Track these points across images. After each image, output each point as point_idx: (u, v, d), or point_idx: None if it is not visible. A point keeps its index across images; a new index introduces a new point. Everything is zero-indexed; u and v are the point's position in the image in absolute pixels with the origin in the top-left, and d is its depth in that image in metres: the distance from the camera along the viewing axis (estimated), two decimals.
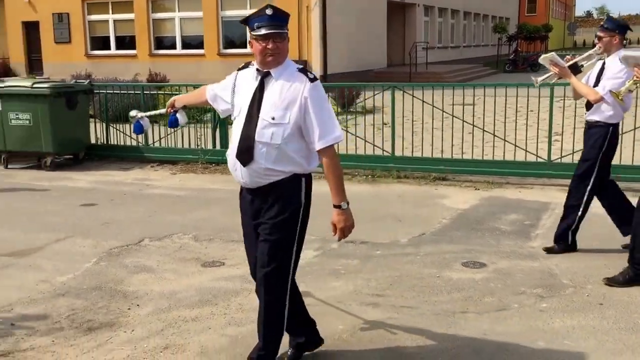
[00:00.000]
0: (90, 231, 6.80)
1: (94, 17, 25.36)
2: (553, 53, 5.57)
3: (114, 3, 24.76)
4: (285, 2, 21.33)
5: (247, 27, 3.40)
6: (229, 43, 23.55)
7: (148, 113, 4.56)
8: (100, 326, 4.50)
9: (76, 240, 6.51)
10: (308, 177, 3.52)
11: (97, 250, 6.17)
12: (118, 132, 10.90)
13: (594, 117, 5.50)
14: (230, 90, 3.60)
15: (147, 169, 10.10)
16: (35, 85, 10.22)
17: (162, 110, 4.30)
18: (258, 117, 3.38)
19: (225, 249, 6.10)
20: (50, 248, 6.29)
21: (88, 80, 12.39)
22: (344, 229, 3.43)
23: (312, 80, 3.38)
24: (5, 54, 26.66)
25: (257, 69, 3.46)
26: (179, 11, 24.14)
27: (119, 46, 25.20)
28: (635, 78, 4.86)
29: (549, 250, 5.77)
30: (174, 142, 10.62)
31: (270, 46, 3.34)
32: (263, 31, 3.34)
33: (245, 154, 3.41)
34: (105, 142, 11.17)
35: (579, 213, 5.62)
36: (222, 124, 10.36)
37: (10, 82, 11.09)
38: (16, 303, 4.91)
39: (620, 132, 5.67)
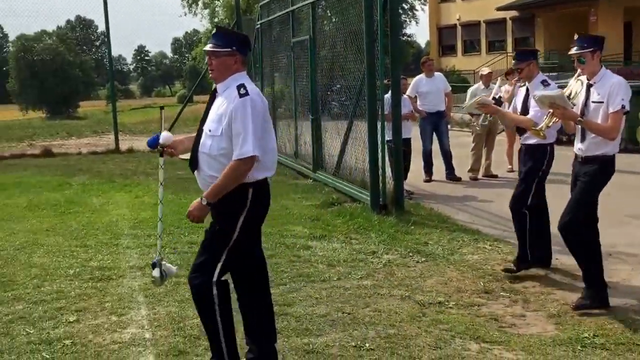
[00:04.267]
0: None
1: None
2: (474, 98, 6.00)
3: None
4: None
5: None
6: None
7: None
8: None
9: None
10: (257, 185, 3.66)
11: None
12: None
13: (531, 140, 5.55)
14: None
15: None
16: None
17: None
18: (202, 129, 3.74)
19: None
20: None
21: None
22: (190, 214, 3.63)
23: (242, 95, 3.56)
24: None
25: None
26: None
27: None
28: (553, 116, 4.94)
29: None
30: None
31: (208, 62, 3.74)
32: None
33: (193, 162, 3.75)
34: None
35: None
36: None
37: None
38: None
39: None
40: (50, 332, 4.65)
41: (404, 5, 41.22)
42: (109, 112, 25.27)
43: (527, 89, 5.70)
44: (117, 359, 4.23)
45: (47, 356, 4.26)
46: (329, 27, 12.23)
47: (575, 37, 4.95)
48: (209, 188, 3.62)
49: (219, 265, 3.69)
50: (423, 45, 68.44)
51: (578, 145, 4.93)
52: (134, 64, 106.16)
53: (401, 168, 8.41)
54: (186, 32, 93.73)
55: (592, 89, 4.84)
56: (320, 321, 4.73)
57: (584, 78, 4.92)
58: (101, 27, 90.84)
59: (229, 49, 3.64)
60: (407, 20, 43.10)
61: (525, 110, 5.66)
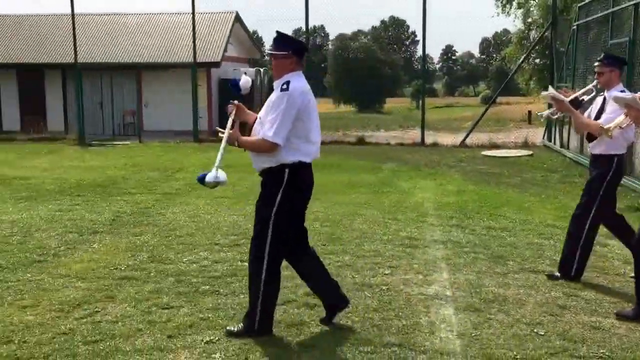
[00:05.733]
0: None
1: None
2: (552, 90, 5.66)
3: None
4: None
5: None
6: None
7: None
8: None
9: None
10: (292, 168, 4.23)
11: None
12: None
13: (598, 149, 5.50)
14: None
15: None
16: None
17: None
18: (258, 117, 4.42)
19: None
20: None
21: None
22: (232, 136, 4.31)
23: (282, 90, 4.19)
24: None
25: None
26: None
27: None
28: (624, 118, 4.86)
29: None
30: None
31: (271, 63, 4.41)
32: None
33: None
34: None
35: (581, 243, 5.63)
36: None
37: None
38: None
39: None
40: (370, 279, 5.67)
41: None
42: (412, 109, 26.85)
43: (604, 99, 5.57)
44: (422, 305, 5.06)
45: (369, 295, 5.26)
46: None
47: None
48: (248, 141, 4.30)
49: (268, 242, 4.30)
50: None
51: None
52: (440, 63, 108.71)
53: None
54: (495, 32, 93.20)
55: None
56: (609, 306, 5.04)
57: None
58: (412, 27, 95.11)
59: (285, 52, 4.29)
60: None
61: (598, 118, 5.54)
